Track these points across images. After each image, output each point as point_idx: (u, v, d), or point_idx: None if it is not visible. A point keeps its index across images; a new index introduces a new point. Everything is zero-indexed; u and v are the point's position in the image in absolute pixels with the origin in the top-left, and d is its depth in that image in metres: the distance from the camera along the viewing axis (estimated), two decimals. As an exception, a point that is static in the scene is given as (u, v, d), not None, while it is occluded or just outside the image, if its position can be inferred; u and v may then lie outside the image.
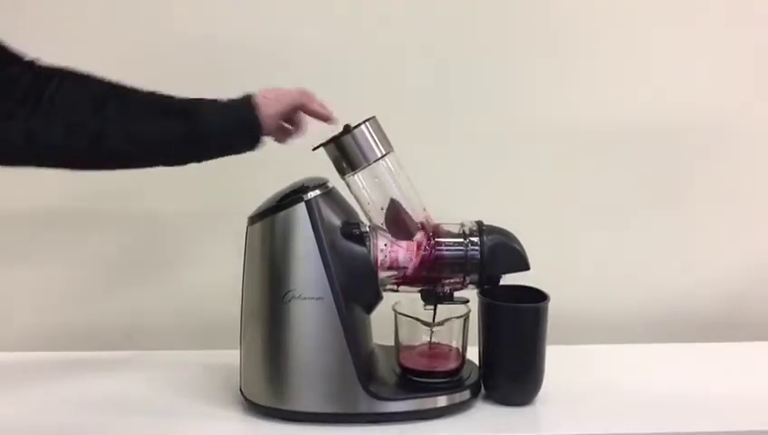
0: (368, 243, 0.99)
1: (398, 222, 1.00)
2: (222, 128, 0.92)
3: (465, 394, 1.01)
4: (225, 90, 1.24)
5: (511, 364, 1.02)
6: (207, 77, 1.24)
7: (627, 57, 1.28)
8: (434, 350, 1.04)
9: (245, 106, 0.94)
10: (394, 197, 0.99)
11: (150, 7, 1.23)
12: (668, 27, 1.28)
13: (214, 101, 0.93)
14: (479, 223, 1.02)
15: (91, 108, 0.87)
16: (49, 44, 1.22)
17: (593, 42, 1.28)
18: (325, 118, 0.98)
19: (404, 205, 1.00)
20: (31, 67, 0.87)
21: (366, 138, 0.97)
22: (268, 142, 1.23)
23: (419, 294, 1.02)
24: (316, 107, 0.98)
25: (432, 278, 1.01)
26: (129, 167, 0.93)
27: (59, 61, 0.88)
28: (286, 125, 1.00)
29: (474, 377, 1.03)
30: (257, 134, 0.94)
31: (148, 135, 0.89)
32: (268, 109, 0.94)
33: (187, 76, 1.23)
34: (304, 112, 0.99)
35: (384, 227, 1.00)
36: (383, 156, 0.98)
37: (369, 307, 1.02)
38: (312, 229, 0.96)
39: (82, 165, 0.91)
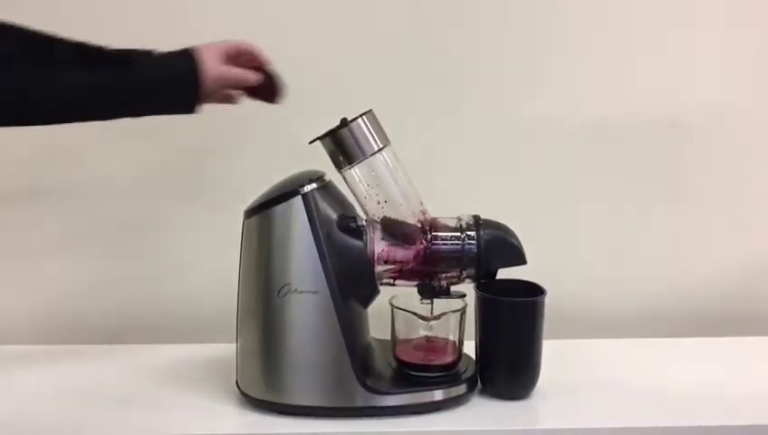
0: (364, 237, 0.98)
1: (397, 233, 0.99)
2: (159, 79, 0.87)
3: (462, 388, 1.01)
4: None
5: (507, 358, 1.02)
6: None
7: (629, 55, 1.28)
8: (430, 344, 1.04)
9: (184, 58, 0.88)
10: (390, 190, 0.99)
11: (146, 8, 1.22)
12: (670, 25, 1.28)
13: (148, 52, 0.88)
14: (476, 217, 1.02)
15: (11, 62, 0.81)
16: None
17: (593, 38, 1.28)
18: (264, 62, 0.95)
19: (401, 199, 1.00)
20: None
21: (363, 131, 0.97)
22: (265, 137, 1.24)
23: (416, 289, 1.02)
24: (259, 51, 0.95)
25: (429, 272, 1.01)
26: (59, 123, 0.87)
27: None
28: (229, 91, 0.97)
29: (470, 371, 1.03)
30: (196, 90, 0.88)
31: (80, 86, 0.84)
32: (210, 61, 0.88)
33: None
34: (248, 57, 0.95)
35: (381, 222, 1.00)
36: (380, 149, 0.98)
37: (366, 301, 1.02)
38: (308, 223, 0.95)
39: (11, 123, 0.85)
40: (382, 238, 0.99)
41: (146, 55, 0.88)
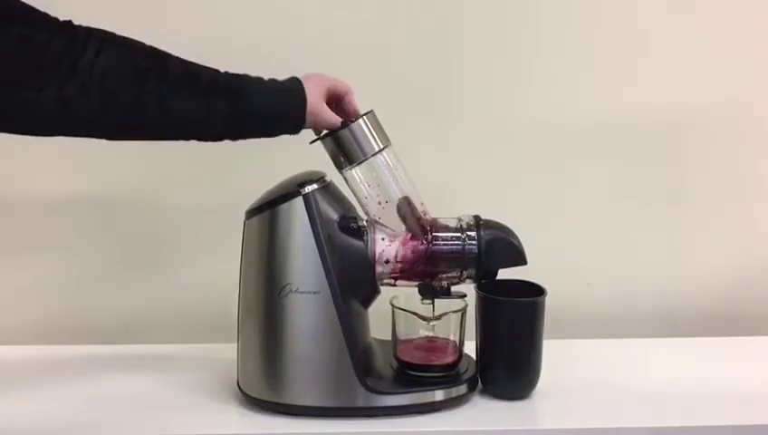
0: (365, 237, 0.99)
1: (406, 220, 1.00)
2: (267, 112, 0.91)
3: (462, 388, 1.01)
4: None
5: (508, 359, 1.02)
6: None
7: (627, 55, 1.28)
8: (431, 344, 1.04)
9: (293, 93, 0.92)
10: (391, 191, 0.99)
11: (146, 10, 1.22)
12: (668, 25, 1.28)
13: (260, 82, 0.92)
14: (476, 217, 1.02)
15: (131, 80, 0.84)
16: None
17: (593, 38, 1.28)
18: (354, 113, 0.98)
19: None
20: (63, 31, 0.83)
21: (363, 132, 0.97)
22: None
23: (417, 289, 1.02)
24: (353, 99, 0.99)
25: (429, 272, 1.01)
26: (163, 139, 0.90)
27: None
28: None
29: (471, 371, 1.03)
30: (301, 122, 0.93)
31: (190, 112, 0.87)
32: (313, 96, 0.93)
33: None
34: (340, 102, 0.98)
35: (382, 222, 1.00)
36: (381, 150, 0.98)
37: (367, 301, 1.02)
38: (309, 223, 0.95)
39: (115, 137, 0.89)
40: (382, 239, 0.99)
41: (256, 85, 0.92)
